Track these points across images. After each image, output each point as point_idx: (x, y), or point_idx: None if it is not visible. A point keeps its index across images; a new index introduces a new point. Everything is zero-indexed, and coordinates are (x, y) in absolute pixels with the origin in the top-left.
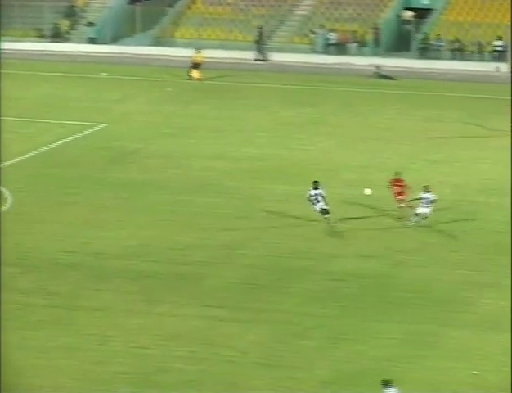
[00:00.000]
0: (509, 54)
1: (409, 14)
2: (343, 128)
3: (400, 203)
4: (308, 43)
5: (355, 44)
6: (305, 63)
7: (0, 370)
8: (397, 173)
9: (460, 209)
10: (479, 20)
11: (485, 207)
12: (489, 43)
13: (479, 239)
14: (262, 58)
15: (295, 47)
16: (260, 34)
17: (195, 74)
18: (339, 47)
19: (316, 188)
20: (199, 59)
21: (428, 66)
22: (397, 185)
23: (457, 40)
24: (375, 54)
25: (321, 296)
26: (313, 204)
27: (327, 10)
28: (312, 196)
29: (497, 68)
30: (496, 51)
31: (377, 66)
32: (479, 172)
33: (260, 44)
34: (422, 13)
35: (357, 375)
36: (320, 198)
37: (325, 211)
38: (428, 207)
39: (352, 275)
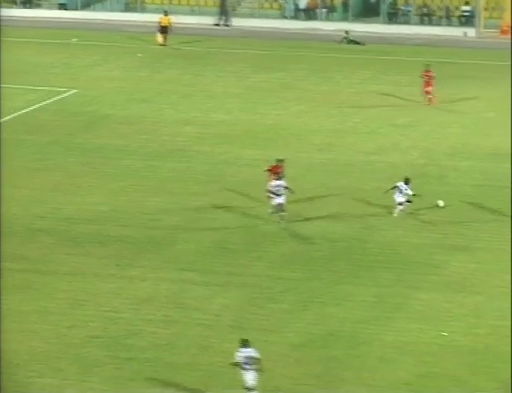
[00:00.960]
0: (476, 19)
1: None
2: (313, 92)
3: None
4: (278, 9)
5: (324, 10)
6: (275, 28)
7: (0, 367)
8: (278, 161)
9: (428, 173)
10: None
11: (453, 171)
12: (457, 8)
13: (448, 203)
14: (223, 23)
15: (265, 13)
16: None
17: (159, 38)
18: (309, 13)
19: (278, 179)
20: (165, 22)
21: (396, 31)
22: (273, 172)
23: (425, 5)
24: (344, 19)
25: (291, 260)
26: (271, 197)
27: None
28: (273, 187)
29: (465, 33)
30: (463, 16)
31: (346, 31)
32: (447, 136)
33: (223, 9)
34: None
35: (327, 337)
36: (282, 191)
37: (280, 207)
38: (404, 196)
39: (322, 239)
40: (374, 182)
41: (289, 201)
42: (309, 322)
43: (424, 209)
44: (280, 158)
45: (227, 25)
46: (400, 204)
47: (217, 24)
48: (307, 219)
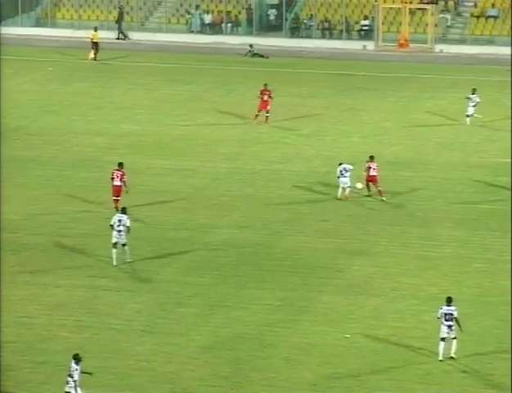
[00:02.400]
0: (375, 33)
1: None
2: (219, 104)
3: (117, 195)
4: (185, 24)
5: (229, 24)
6: (182, 43)
7: (0, 369)
8: (119, 164)
9: (329, 181)
10: (347, 0)
11: (355, 179)
12: (356, 22)
13: (349, 209)
14: (122, 37)
15: (173, 28)
16: (120, 14)
17: (90, 54)
18: (214, 27)
19: (124, 213)
20: (95, 38)
21: (299, 45)
22: (117, 174)
23: (326, 19)
24: (249, 33)
25: (199, 266)
26: (116, 231)
27: None
28: (114, 221)
29: (364, 46)
30: (363, 30)
31: (250, 45)
32: (348, 145)
33: (120, 23)
34: None
35: (234, 340)
36: (122, 229)
37: (122, 247)
38: (347, 177)
39: (229, 245)
40: (278, 190)
41: (195, 209)
42: (217, 326)
43: (325, 215)
44: (120, 161)
45: (124, 38)
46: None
47: (122, 38)
48: (214, 227)
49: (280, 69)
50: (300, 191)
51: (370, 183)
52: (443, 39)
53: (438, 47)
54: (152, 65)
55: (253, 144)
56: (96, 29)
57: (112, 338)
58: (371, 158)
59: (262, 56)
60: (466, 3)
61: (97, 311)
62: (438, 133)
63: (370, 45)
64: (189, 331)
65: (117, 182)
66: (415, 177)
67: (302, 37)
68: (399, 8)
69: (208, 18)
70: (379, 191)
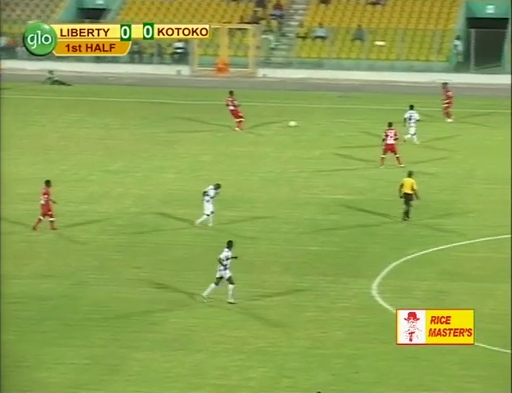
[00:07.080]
0: (190, 56)
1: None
2: (16, 138)
3: None
4: None
5: (24, 47)
6: None
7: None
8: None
9: (143, 222)
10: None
11: (171, 219)
12: (169, 45)
13: (165, 254)
14: None
15: None
16: None
17: None
18: (9, 51)
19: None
20: None
21: (104, 70)
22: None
23: (135, 42)
24: (47, 58)
25: None
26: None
27: None
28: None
29: (178, 71)
30: (176, 53)
31: (50, 71)
32: (163, 182)
33: None
34: (97, 13)
35: None
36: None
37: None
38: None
39: (30, 297)
40: (84, 234)
41: None
42: (16, 390)
43: (138, 261)
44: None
45: None
46: (211, 213)
47: None
48: (13, 277)
49: (85, 97)
50: (109, 235)
51: (388, 152)
52: (266, 63)
53: (261, 72)
54: None
55: (55, 183)
56: None
57: None
58: (389, 125)
59: (63, 83)
60: (291, 22)
61: None
62: (263, 167)
63: (184, 70)
64: None
65: None
66: (236, 216)
67: (107, 61)
68: (216, 28)
69: (2, 41)
70: (397, 158)
